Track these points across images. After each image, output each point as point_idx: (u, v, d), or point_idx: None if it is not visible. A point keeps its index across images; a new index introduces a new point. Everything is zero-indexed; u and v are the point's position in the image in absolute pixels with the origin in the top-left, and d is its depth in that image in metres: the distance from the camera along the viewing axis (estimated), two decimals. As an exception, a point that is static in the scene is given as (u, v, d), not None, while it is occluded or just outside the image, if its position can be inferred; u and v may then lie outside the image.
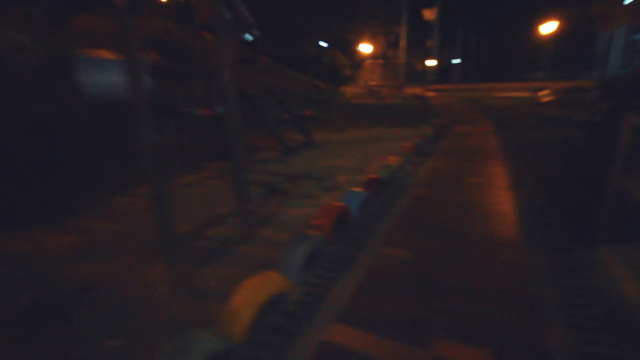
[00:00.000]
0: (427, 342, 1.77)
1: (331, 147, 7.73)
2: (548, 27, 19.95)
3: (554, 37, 21.55)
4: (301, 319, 2.00)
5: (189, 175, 5.60)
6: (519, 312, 1.98)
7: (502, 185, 4.42)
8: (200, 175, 5.54)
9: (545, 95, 14.29)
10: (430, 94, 24.08)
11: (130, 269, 2.72)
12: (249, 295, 1.93)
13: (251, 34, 6.93)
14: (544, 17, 20.57)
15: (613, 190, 2.56)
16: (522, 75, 34.92)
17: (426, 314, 2.00)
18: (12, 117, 4.15)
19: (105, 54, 4.65)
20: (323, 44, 26.73)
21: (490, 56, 44.95)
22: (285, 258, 2.45)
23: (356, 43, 27.80)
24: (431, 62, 31.03)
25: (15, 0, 5.93)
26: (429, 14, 20.86)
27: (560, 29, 20.78)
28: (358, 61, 29.45)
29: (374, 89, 21.49)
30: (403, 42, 26.82)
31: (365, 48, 27.09)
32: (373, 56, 28.73)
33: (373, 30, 28.16)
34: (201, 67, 7.38)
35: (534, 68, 31.90)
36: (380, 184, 4.22)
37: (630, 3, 16.52)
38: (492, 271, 2.40)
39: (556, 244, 2.78)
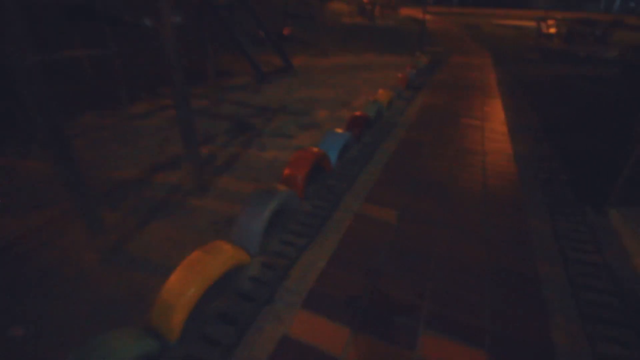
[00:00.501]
0: (410, 338, 1.45)
1: (313, 74, 6.79)
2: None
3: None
4: (257, 304, 1.62)
5: (143, 102, 4.73)
6: (518, 296, 1.67)
7: (500, 129, 3.93)
8: (156, 104, 4.70)
9: (549, 26, 13.08)
10: (428, 17, 21.79)
11: (51, 228, 2.18)
12: (188, 280, 1.49)
13: None
14: None
15: (643, 146, 2.12)
16: (527, 2, 32.01)
17: (411, 298, 1.65)
18: None
19: None
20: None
21: (495, -24, 40.31)
22: (243, 221, 1.98)
23: (349, -53, 23.74)
24: (431, -22, 27.50)
25: None
26: None
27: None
28: (350, -29, 25.58)
29: (367, 7, 19.11)
30: (402, -50, 23.10)
31: (359, -45, 23.25)
32: (367, -34, 24.95)
33: None
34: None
35: (540, -7, 29.11)
36: (365, 123, 3.63)
37: None
38: (487, 241, 2.04)
39: (561, 205, 2.44)
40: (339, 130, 3.15)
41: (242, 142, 3.44)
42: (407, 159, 3.08)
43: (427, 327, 1.49)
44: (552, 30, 12.67)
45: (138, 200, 2.47)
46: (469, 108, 4.69)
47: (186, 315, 1.42)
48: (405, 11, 22.56)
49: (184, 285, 1.47)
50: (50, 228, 2.17)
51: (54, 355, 1.41)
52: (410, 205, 2.37)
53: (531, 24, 17.00)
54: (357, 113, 3.64)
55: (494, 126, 4.00)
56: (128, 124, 3.92)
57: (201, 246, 1.66)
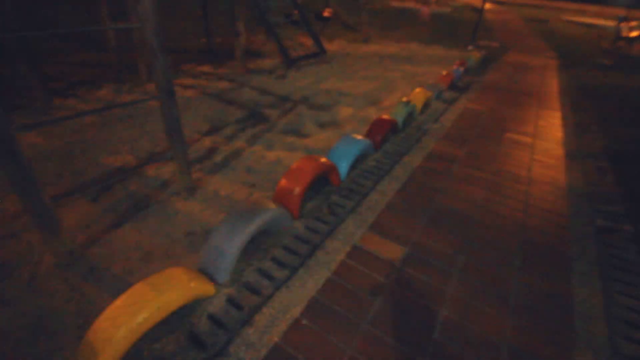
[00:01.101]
0: None
1: (347, 62, 6.29)
2: None
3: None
4: (206, 355, 1.33)
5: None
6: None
7: (554, 151, 3.30)
8: (176, 82, 4.52)
9: (631, 28, 11.28)
10: (489, 5, 19.92)
11: (5, 225, 2.04)
12: (121, 321, 1.24)
13: None
14: None
15: None
16: (608, -4, 28.21)
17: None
18: None
19: None
20: None
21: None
22: (215, 243, 1.69)
23: None
24: (499, -37, 24.99)
25: None
26: None
27: None
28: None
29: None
30: None
31: None
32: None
33: None
34: None
35: (626, -13, 25.47)
36: (390, 128, 3.17)
37: None
38: (513, 310, 1.60)
39: (622, 269, 1.90)
40: (357, 137, 2.74)
41: (250, 137, 3.14)
42: (432, 178, 2.61)
43: None
44: (634, 33, 10.92)
45: (122, 193, 2.27)
46: (520, 120, 4.02)
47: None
48: (464, -2, 20.78)
49: (115, 327, 1.21)
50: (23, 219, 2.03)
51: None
52: (423, 241, 1.96)
53: (609, 23, 14.90)
54: (383, 116, 3.19)
55: (547, 146, 3.37)
56: (141, 102, 3.76)
57: (150, 276, 1.40)
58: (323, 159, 2.31)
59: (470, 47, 8.54)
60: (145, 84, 4.30)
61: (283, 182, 2.11)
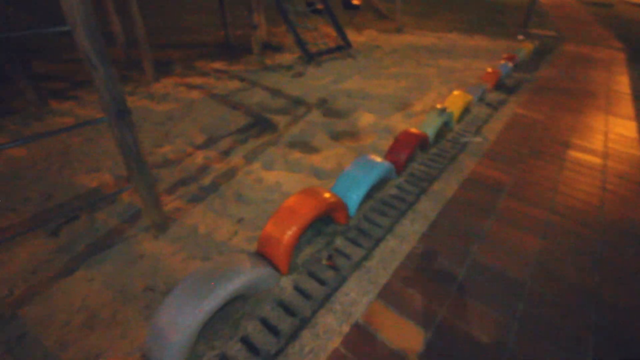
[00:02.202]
0: None
1: (375, 56, 5.63)
2: None
3: None
4: None
5: (172, 77, 4.25)
6: None
7: (635, 178, 2.55)
8: (179, 81, 4.17)
9: None
10: (542, -12, 17.84)
11: None
12: None
13: None
14: None
15: None
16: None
17: None
18: None
19: None
20: None
21: None
22: (162, 322, 1.28)
23: None
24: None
25: None
26: None
27: None
28: None
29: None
30: None
31: None
32: None
33: None
34: None
35: None
36: (419, 144, 2.59)
37: None
38: None
39: None
40: (375, 158, 2.20)
41: (249, 151, 2.69)
42: (469, 216, 2.03)
43: None
44: None
45: (86, 226, 1.93)
46: (584, 131, 3.24)
47: None
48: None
49: None
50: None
51: None
52: (451, 322, 1.42)
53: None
54: (410, 130, 2.60)
55: (622, 170, 2.62)
56: (139, 106, 3.44)
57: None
58: (327, 194, 1.81)
59: (520, 37, 7.48)
60: (152, 83, 4.00)
61: (270, 226, 1.65)
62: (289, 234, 1.60)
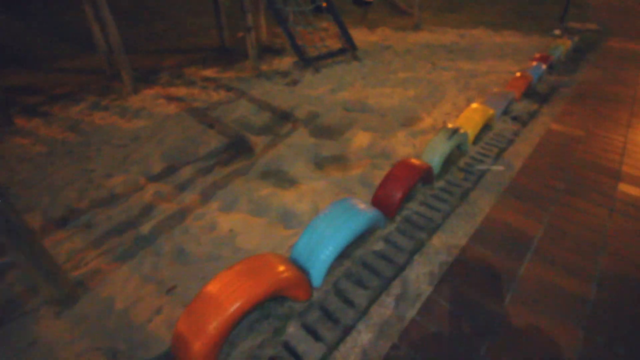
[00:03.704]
0: None
1: (384, 59, 5.04)
2: None
3: None
4: None
5: (148, 88, 3.88)
6: None
7: None
8: (161, 92, 3.80)
9: None
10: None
11: None
12: None
13: None
14: None
15: None
16: None
17: None
18: None
19: None
20: None
21: None
22: None
23: None
24: None
25: None
26: None
27: None
28: None
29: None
30: None
31: None
32: None
33: None
34: None
35: None
36: (420, 179, 2.05)
37: None
38: None
39: None
40: (356, 204, 1.69)
41: (210, 184, 2.24)
42: (477, 292, 1.47)
43: None
44: None
45: (-12, 290, 1.57)
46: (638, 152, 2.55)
47: None
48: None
49: None
50: None
51: None
52: None
53: None
54: (408, 162, 2.05)
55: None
56: (107, 124, 3.09)
57: None
58: (278, 268, 1.33)
59: (557, 32, 6.61)
60: (129, 95, 3.67)
61: (183, 322, 1.19)
62: (208, 335, 1.14)
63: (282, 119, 3.15)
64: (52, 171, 2.40)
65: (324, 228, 1.57)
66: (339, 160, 2.48)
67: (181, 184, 2.22)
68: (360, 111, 3.31)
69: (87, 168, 2.42)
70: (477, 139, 2.76)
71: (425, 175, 2.10)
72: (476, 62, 4.86)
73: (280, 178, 2.29)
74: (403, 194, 1.91)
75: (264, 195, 2.09)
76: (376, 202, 1.96)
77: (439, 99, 3.59)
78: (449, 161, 2.40)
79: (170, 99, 3.60)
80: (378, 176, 2.23)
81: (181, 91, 3.83)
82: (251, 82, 4.09)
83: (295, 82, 4.01)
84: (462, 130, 2.44)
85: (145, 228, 1.86)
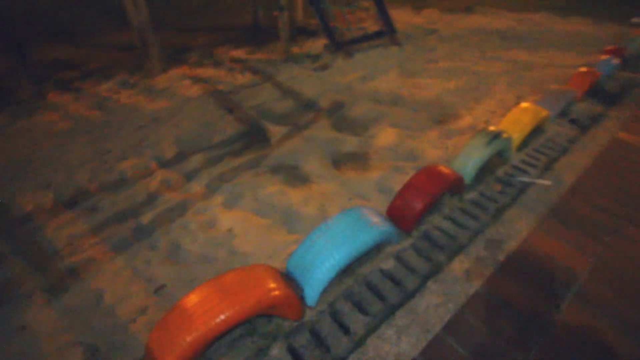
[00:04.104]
0: None
1: (427, 44, 4.59)
2: None
3: None
4: None
5: (177, 68, 3.84)
6: None
7: None
8: (188, 73, 3.73)
9: None
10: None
11: None
12: None
13: None
14: None
15: None
16: None
17: None
18: None
19: None
20: None
21: None
22: None
23: None
24: None
25: None
26: None
27: None
28: None
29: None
30: None
31: None
32: None
33: None
34: None
35: None
36: (447, 189, 1.78)
37: None
38: None
39: None
40: (368, 215, 1.49)
41: (218, 175, 2.11)
42: (498, 340, 1.24)
43: None
44: None
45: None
46: None
47: None
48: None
49: None
50: None
51: None
52: None
53: None
54: (435, 169, 1.79)
55: None
56: (130, 103, 3.08)
57: None
58: (269, 284, 1.19)
59: (636, 19, 5.66)
60: (157, 74, 3.66)
61: (154, 337, 1.10)
62: (180, 350, 1.04)
63: (305, 107, 2.97)
64: (71, 149, 2.44)
65: (325, 241, 1.40)
66: (359, 159, 2.27)
67: (189, 172, 2.15)
68: (391, 104, 3.03)
69: (104, 148, 2.43)
70: (524, 144, 2.39)
71: (454, 186, 1.83)
72: (533, 53, 4.28)
73: (292, 174, 2.13)
74: (423, 206, 1.67)
75: (271, 193, 1.95)
76: (392, 212, 1.75)
77: (483, 94, 3.19)
78: (485, 169, 2.10)
79: (196, 80, 3.55)
80: (399, 182, 1.99)
81: (208, 72, 3.76)
82: (279, 66, 3.91)
83: (324, 67, 3.77)
84: (505, 135, 2.11)
85: (146, 218, 1.81)
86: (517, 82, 3.42)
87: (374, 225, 1.47)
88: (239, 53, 4.35)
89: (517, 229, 1.72)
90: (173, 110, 2.91)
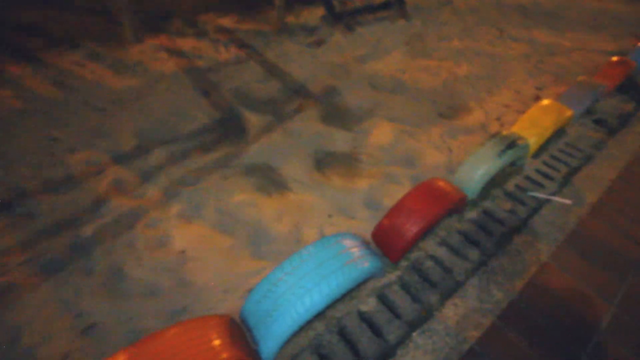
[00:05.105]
0: None
1: (439, 19, 4.07)
2: None
3: None
4: None
5: (154, 37, 3.40)
6: None
7: None
8: (166, 43, 3.30)
9: None
10: None
11: None
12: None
13: None
14: None
15: None
16: None
17: None
18: None
19: None
20: None
21: None
22: None
23: None
24: None
25: None
26: None
27: None
28: None
29: None
30: None
31: None
32: None
33: None
34: None
35: None
36: (447, 211, 1.49)
37: None
38: None
39: None
40: (350, 250, 1.22)
41: (177, 179, 1.81)
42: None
43: None
44: None
45: None
46: None
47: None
48: None
49: None
50: None
51: None
52: None
53: None
54: (433, 185, 1.48)
55: None
56: (93, 79, 2.71)
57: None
58: (214, 342, 0.95)
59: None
60: (132, 44, 3.25)
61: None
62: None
63: (291, 92, 2.60)
64: (17, 135, 2.13)
65: (289, 285, 1.13)
66: (346, 161, 1.96)
67: (146, 171, 1.85)
68: (391, 91, 2.66)
69: (54, 136, 2.11)
70: (541, 149, 2.07)
71: (455, 207, 1.54)
72: (558, 34, 3.80)
73: (267, 178, 1.83)
74: (416, 234, 1.39)
75: (238, 202, 1.66)
76: (378, 236, 1.47)
77: (498, 83, 2.80)
78: (492, 179, 1.80)
79: (173, 52, 3.14)
80: (390, 194, 1.70)
81: (188, 43, 3.34)
82: (269, 39, 3.47)
83: (319, 43, 3.34)
84: (521, 142, 1.78)
85: (87, 230, 1.54)
86: (538, 70, 3.01)
87: (354, 263, 1.20)
88: (227, 22, 3.88)
89: (527, 260, 1.45)
90: (140, 91, 2.56)
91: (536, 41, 3.56)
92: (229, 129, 2.22)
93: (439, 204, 1.44)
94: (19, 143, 2.03)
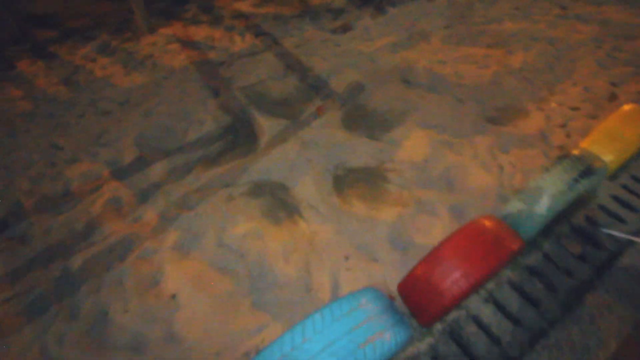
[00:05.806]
0: None
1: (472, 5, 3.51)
2: None
3: None
4: None
5: (167, 26, 3.17)
6: None
7: None
8: (178, 33, 3.06)
9: None
10: None
11: None
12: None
13: None
14: None
15: None
16: None
17: None
18: None
19: None
20: None
21: None
22: None
23: None
24: None
25: None
26: None
27: None
28: None
29: None
30: None
31: None
32: None
33: None
34: None
35: None
36: (498, 265, 1.16)
37: None
38: None
39: None
40: (374, 319, 0.95)
41: (178, 200, 1.59)
42: None
43: None
44: None
45: None
46: None
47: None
48: None
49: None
50: None
51: None
52: None
53: None
54: (479, 227, 1.14)
55: None
56: (102, 77, 2.53)
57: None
58: None
59: None
60: (144, 35, 3.05)
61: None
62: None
63: (310, 89, 2.29)
64: (25, 144, 2.02)
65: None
66: (371, 180, 1.66)
67: (145, 189, 1.67)
68: (428, 88, 2.26)
69: (57, 144, 1.98)
70: (622, 167, 1.64)
71: (509, 257, 1.21)
72: (638, 9, 3.12)
73: (276, 199, 1.58)
74: (457, 296, 1.09)
75: (242, 233, 1.43)
76: (407, 289, 1.19)
77: (561, 77, 2.31)
78: (558, 214, 1.42)
79: (186, 44, 2.90)
80: (424, 229, 1.39)
81: (202, 32, 3.08)
82: (289, 24, 3.13)
83: (345, 29, 2.95)
84: (599, 165, 1.38)
85: (77, 260, 1.38)
86: (612, 59, 2.45)
87: (371, 345, 0.94)
88: (244, 6, 3.56)
89: (604, 330, 1.12)
90: (148, 90, 2.36)
91: (609, 21, 2.93)
92: (237, 136, 1.97)
93: (491, 256, 1.12)
94: (24, 153, 1.92)
